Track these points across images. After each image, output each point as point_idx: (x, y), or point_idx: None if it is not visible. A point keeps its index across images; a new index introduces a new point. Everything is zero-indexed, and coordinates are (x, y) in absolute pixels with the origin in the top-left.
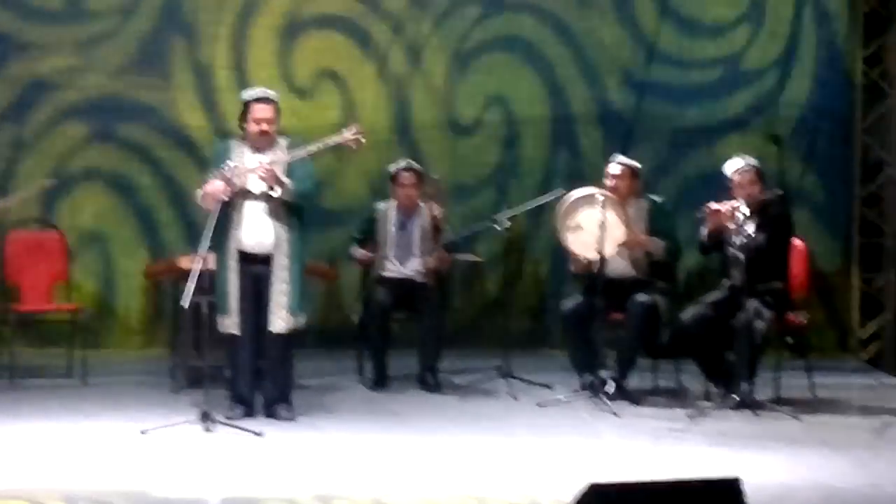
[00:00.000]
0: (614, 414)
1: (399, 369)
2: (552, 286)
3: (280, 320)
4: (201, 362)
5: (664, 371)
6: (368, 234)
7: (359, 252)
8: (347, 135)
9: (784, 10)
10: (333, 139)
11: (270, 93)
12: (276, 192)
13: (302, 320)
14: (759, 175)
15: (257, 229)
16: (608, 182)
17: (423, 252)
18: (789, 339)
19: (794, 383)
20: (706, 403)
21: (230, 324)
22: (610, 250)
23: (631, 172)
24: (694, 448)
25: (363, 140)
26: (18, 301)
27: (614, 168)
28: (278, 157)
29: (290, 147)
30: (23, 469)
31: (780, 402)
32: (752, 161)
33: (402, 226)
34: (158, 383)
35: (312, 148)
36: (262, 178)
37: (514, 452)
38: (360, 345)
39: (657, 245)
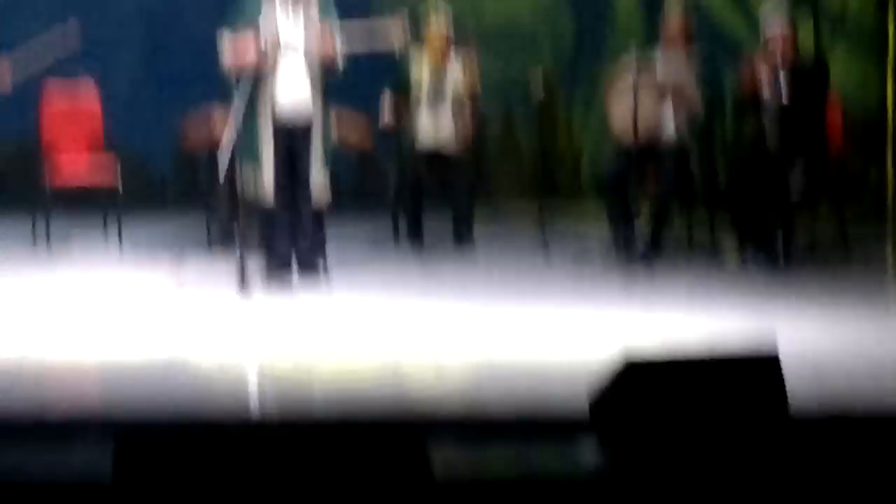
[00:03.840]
0: (652, 269)
1: (435, 235)
2: (588, 145)
3: (318, 192)
4: (237, 227)
5: (700, 228)
6: (402, 87)
7: (387, 115)
8: (394, 36)
9: None
10: (383, 25)
11: None
12: (326, 64)
13: (328, 191)
14: (794, 37)
15: (294, 96)
16: (668, 25)
17: (456, 114)
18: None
19: (830, 242)
20: (741, 261)
21: (263, 192)
22: (650, 121)
23: (684, 18)
24: (729, 310)
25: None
26: (53, 174)
27: (671, 13)
28: (318, 28)
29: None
30: (59, 336)
31: (815, 259)
32: (788, 22)
33: (437, 83)
34: (195, 242)
35: (359, 28)
36: (324, 62)
37: (546, 316)
38: (395, 210)
39: (695, 95)
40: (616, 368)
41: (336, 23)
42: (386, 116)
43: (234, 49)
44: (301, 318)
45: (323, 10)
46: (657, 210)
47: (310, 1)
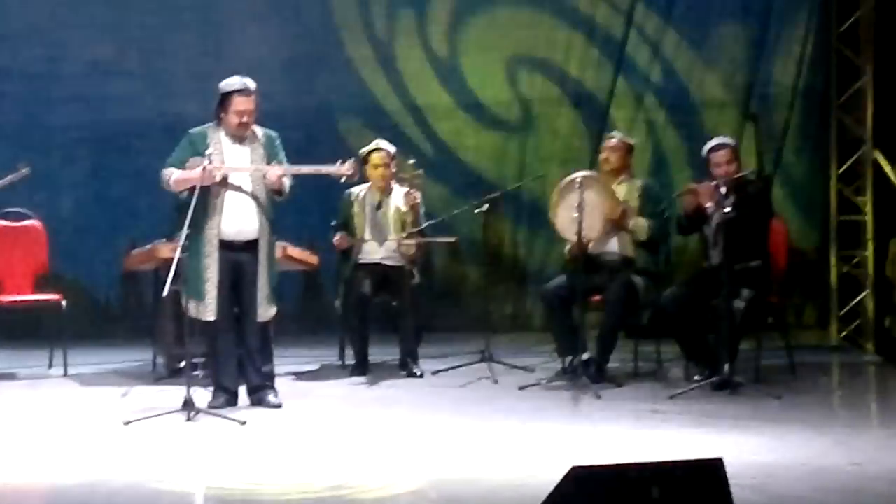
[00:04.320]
0: (596, 396)
1: (381, 355)
2: (533, 268)
3: (264, 308)
4: (183, 351)
5: (645, 352)
6: (346, 220)
7: (336, 236)
8: (343, 168)
9: None
10: (328, 168)
11: (251, 83)
12: (280, 197)
13: (275, 308)
14: (736, 154)
15: (239, 217)
16: (602, 155)
17: (400, 235)
18: (769, 319)
19: (774, 363)
20: (686, 384)
21: (206, 311)
22: (591, 232)
23: (626, 147)
24: (676, 429)
25: (356, 176)
26: None
27: (610, 141)
28: (264, 164)
29: (268, 138)
30: (6, 462)
31: (760, 381)
32: (729, 140)
33: (378, 206)
34: (140, 373)
35: (305, 169)
36: (272, 186)
37: (496, 436)
38: (342, 331)
39: (640, 225)
40: (566, 480)
41: (283, 158)
42: (335, 238)
43: (182, 172)
44: (249, 441)
45: (269, 149)
46: (603, 327)
47: (255, 139)
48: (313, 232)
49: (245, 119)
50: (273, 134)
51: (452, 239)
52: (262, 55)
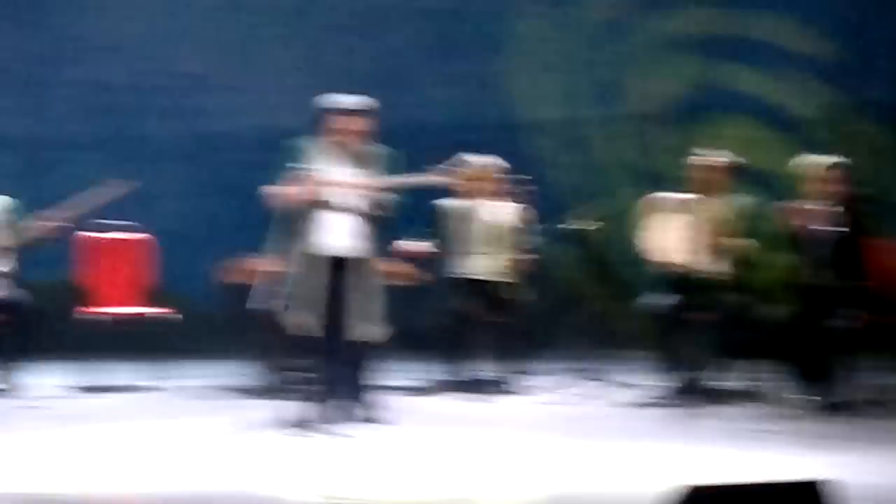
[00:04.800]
0: (706, 415)
1: (489, 372)
2: (636, 285)
3: (367, 328)
4: (289, 366)
5: (754, 371)
6: (447, 233)
7: (409, 245)
8: (448, 177)
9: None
10: (433, 178)
11: (362, 102)
12: (382, 213)
13: (384, 328)
14: (847, 172)
15: (342, 233)
16: (696, 175)
17: (502, 250)
18: (882, 339)
19: (887, 383)
20: (796, 405)
21: (308, 326)
22: (692, 254)
23: (724, 166)
24: (787, 449)
25: (460, 184)
26: (101, 305)
27: (706, 159)
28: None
29: (376, 155)
30: (120, 473)
31: (872, 402)
32: (840, 158)
33: (477, 220)
34: (247, 387)
35: (411, 180)
36: (373, 203)
37: (607, 454)
38: (448, 347)
39: (740, 244)
40: (685, 499)
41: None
42: (434, 250)
43: (284, 186)
44: (357, 455)
45: (377, 165)
46: (712, 346)
47: (364, 155)
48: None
49: (351, 138)
50: (384, 150)
51: (547, 256)
52: (356, 68)
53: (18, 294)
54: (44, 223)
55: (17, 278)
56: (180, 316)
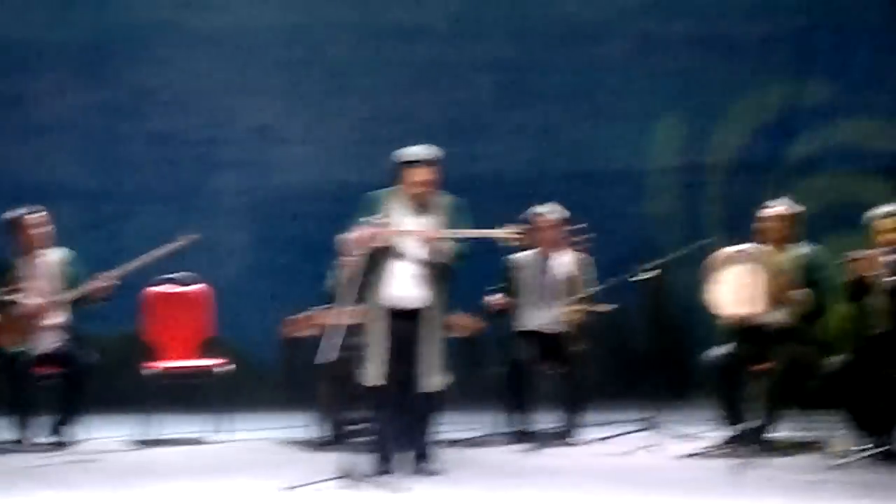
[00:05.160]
0: (762, 466)
1: (544, 423)
2: (698, 336)
3: (431, 378)
4: (344, 418)
5: (812, 421)
6: (509, 285)
7: (492, 299)
8: (509, 233)
9: None
10: (495, 233)
11: (432, 153)
12: (437, 259)
13: (448, 378)
14: None
15: (407, 286)
16: (764, 223)
17: (565, 301)
18: None
19: None
20: (856, 454)
21: (377, 376)
22: (755, 307)
23: (790, 216)
24: (844, 500)
25: (522, 241)
26: (162, 358)
27: (772, 209)
28: (438, 228)
29: (449, 206)
30: None
31: None
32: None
33: (543, 271)
34: (302, 439)
35: (473, 233)
36: (427, 249)
37: None
38: (503, 398)
39: (800, 297)
40: None
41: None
42: (495, 302)
43: (356, 234)
44: None
45: (450, 216)
46: (769, 395)
47: (436, 206)
48: (477, 298)
49: (423, 189)
50: (456, 201)
51: (611, 307)
52: (426, 121)
53: (71, 347)
54: (98, 281)
55: (71, 331)
56: (233, 366)
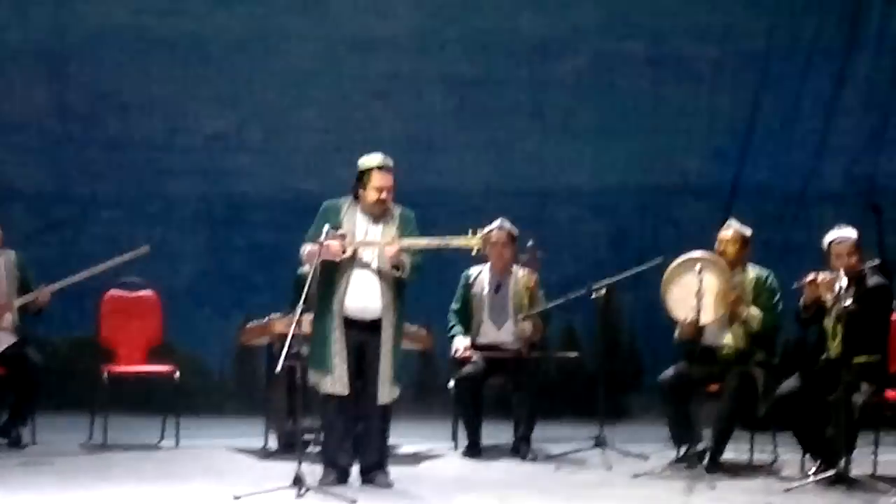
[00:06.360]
0: (710, 487)
1: (494, 437)
2: (648, 355)
3: (386, 390)
4: (295, 427)
5: (761, 444)
6: (465, 301)
7: (460, 348)
8: (471, 240)
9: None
10: (455, 241)
11: (390, 160)
12: (399, 273)
13: (399, 389)
14: (857, 246)
15: (365, 296)
16: (717, 246)
17: (517, 317)
18: (888, 414)
19: (892, 458)
20: (803, 477)
21: (331, 385)
22: (707, 317)
23: (742, 238)
24: None
25: (481, 249)
26: (112, 362)
27: (725, 232)
28: (395, 239)
29: (404, 217)
30: None
31: (877, 476)
32: (850, 231)
33: (497, 288)
34: (251, 448)
35: (433, 242)
36: (390, 262)
37: None
38: (455, 412)
39: (753, 316)
40: None
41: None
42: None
43: (311, 246)
44: None
45: (404, 227)
46: (719, 417)
47: (391, 217)
48: (428, 311)
49: (383, 195)
50: (409, 212)
51: (574, 354)
52: (382, 133)
53: (22, 348)
54: (41, 290)
55: (19, 333)
56: (178, 374)
